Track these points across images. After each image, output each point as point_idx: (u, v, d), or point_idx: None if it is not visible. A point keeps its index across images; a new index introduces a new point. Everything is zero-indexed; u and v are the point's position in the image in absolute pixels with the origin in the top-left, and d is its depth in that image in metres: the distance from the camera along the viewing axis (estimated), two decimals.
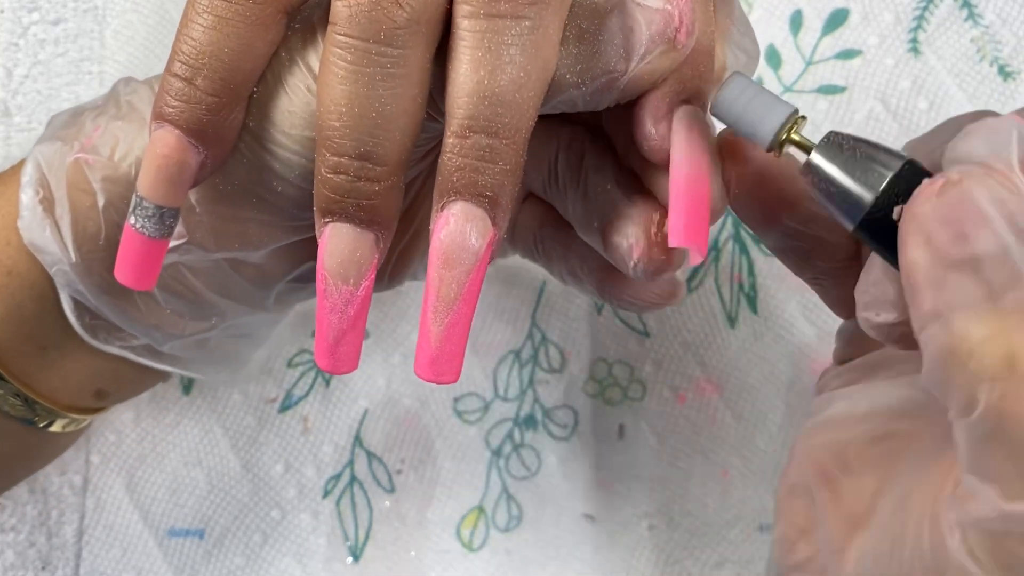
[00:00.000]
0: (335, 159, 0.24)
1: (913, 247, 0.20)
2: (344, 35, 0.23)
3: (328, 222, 0.25)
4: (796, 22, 0.43)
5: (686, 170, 0.25)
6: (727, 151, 0.27)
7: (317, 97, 0.24)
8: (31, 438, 0.33)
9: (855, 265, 0.27)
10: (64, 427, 0.34)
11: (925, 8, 0.43)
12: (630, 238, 0.28)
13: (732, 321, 0.42)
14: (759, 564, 0.41)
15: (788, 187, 0.27)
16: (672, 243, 0.26)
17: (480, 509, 0.42)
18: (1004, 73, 0.43)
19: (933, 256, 0.20)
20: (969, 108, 0.43)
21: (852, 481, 0.26)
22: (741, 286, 0.42)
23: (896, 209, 0.22)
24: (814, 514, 0.26)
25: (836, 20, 0.43)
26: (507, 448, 0.42)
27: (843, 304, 0.29)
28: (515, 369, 0.42)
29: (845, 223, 0.23)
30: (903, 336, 0.24)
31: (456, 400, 0.42)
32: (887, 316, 0.23)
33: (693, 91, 0.26)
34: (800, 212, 0.27)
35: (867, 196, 0.23)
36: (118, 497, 0.41)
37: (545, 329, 0.43)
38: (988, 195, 0.20)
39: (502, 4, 0.23)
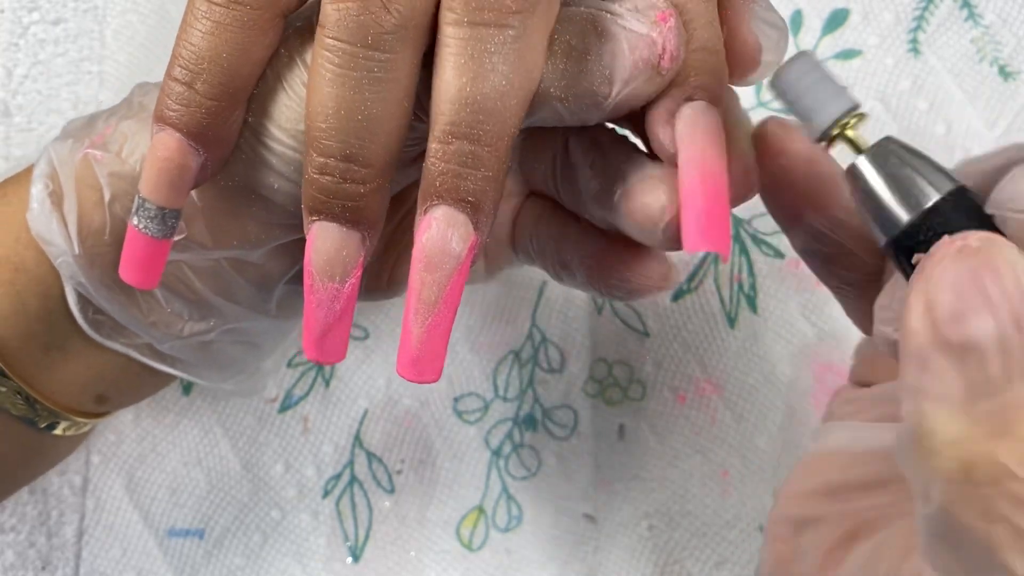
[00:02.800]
0: (321, 160, 0.24)
1: (914, 312, 0.20)
2: (332, 38, 0.24)
3: (315, 220, 0.25)
4: (796, 22, 0.43)
5: (697, 171, 0.25)
6: (763, 141, 0.27)
7: (306, 98, 0.25)
8: (31, 440, 0.33)
9: (878, 281, 0.26)
10: (64, 430, 0.34)
11: (925, 8, 0.43)
12: (662, 198, 0.26)
13: (732, 321, 0.42)
14: None
15: (817, 187, 0.26)
16: (689, 248, 0.25)
17: (480, 509, 0.42)
18: (1004, 73, 0.43)
19: (927, 330, 0.20)
20: (969, 109, 0.43)
21: (832, 524, 0.26)
22: (741, 286, 0.42)
23: (916, 256, 0.21)
24: (796, 549, 0.27)
25: (836, 20, 0.43)
26: (507, 448, 0.42)
27: (863, 318, 0.28)
28: (515, 369, 0.42)
29: (878, 235, 0.22)
30: None
31: (456, 400, 0.42)
32: None
33: (698, 90, 0.26)
34: (826, 215, 0.27)
35: (904, 216, 0.22)
36: (118, 497, 0.41)
37: (545, 329, 0.43)
38: (1002, 274, 0.19)
39: (486, 12, 0.23)
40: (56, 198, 0.30)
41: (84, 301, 0.31)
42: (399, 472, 0.42)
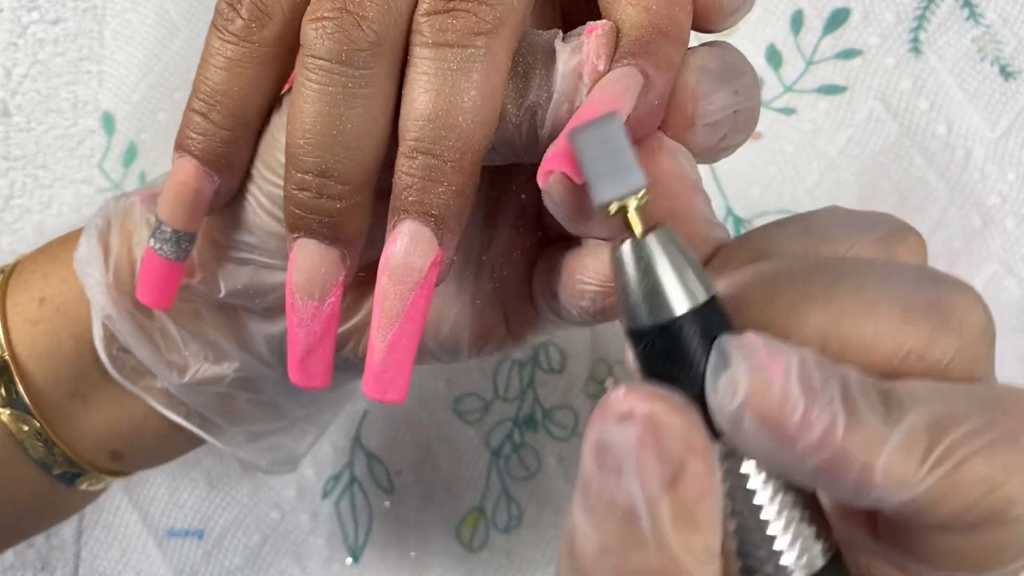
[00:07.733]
0: (299, 176, 0.25)
1: (587, 459, 0.19)
2: (311, 56, 0.25)
3: (296, 238, 0.26)
4: (797, 22, 0.43)
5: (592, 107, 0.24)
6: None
7: (288, 117, 0.25)
8: (44, 489, 0.34)
9: None
10: (89, 485, 0.34)
11: (926, 8, 0.43)
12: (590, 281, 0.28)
13: None
14: None
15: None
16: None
17: (480, 510, 0.42)
18: (1005, 73, 0.43)
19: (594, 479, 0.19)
20: (970, 108, 0.42)
21: None
22: None
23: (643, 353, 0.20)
24: None
25: (837, 20, 0.43)
26: (507, 448, 0.42)
27: None
28: (515, 369, 0.42)
29: (625, 319, 0.21)
30: None
31: (456, 400, 0.42)
32: None
33: (625, 57, 0.25)
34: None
35: (657, 314, 0.20)
36: (117, 497, 0.41)
37: None
38: (657, 437, 0.19)
39: (450, 34, 0.24)
40: (103, 237, 0.32)
41: (109, 336, 0.32)
42: (399, 473, 0.42)
